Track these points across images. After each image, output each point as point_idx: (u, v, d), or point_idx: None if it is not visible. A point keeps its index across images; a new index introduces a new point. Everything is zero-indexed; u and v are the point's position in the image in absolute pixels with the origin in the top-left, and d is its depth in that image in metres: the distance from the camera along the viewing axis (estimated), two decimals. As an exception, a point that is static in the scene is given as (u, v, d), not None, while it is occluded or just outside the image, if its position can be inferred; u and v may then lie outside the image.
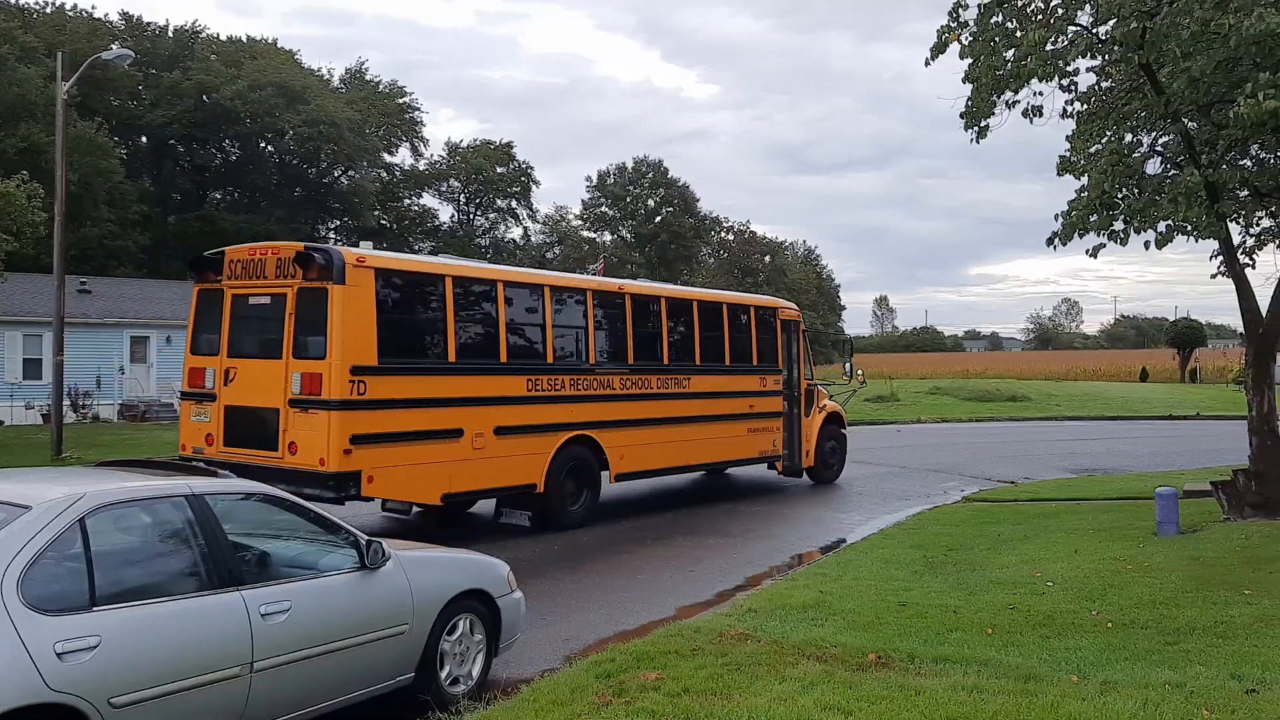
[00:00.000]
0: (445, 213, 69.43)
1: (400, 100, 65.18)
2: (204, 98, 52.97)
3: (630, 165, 75.43)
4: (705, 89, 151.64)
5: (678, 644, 7.24)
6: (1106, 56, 11.60)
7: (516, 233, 72.26)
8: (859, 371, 21.20)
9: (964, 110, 11.59)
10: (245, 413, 11.49)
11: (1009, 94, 11.34)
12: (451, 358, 11.96)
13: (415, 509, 12.74)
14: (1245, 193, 13.33)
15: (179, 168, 56.90)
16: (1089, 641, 7.32)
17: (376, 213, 62.40)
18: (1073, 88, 12.30)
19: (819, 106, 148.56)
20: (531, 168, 69.36)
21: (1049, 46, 10.69)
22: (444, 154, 67.92)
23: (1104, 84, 12.79)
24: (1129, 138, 12.27)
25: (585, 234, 75.98)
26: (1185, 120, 11.69)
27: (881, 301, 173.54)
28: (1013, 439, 28.25)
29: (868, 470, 20.33)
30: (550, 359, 13.30)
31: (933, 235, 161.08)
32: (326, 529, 6.08)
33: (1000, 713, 5.58)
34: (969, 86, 11.31)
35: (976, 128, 11.73)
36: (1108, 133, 12.13)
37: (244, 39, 59.25)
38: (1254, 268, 13.63)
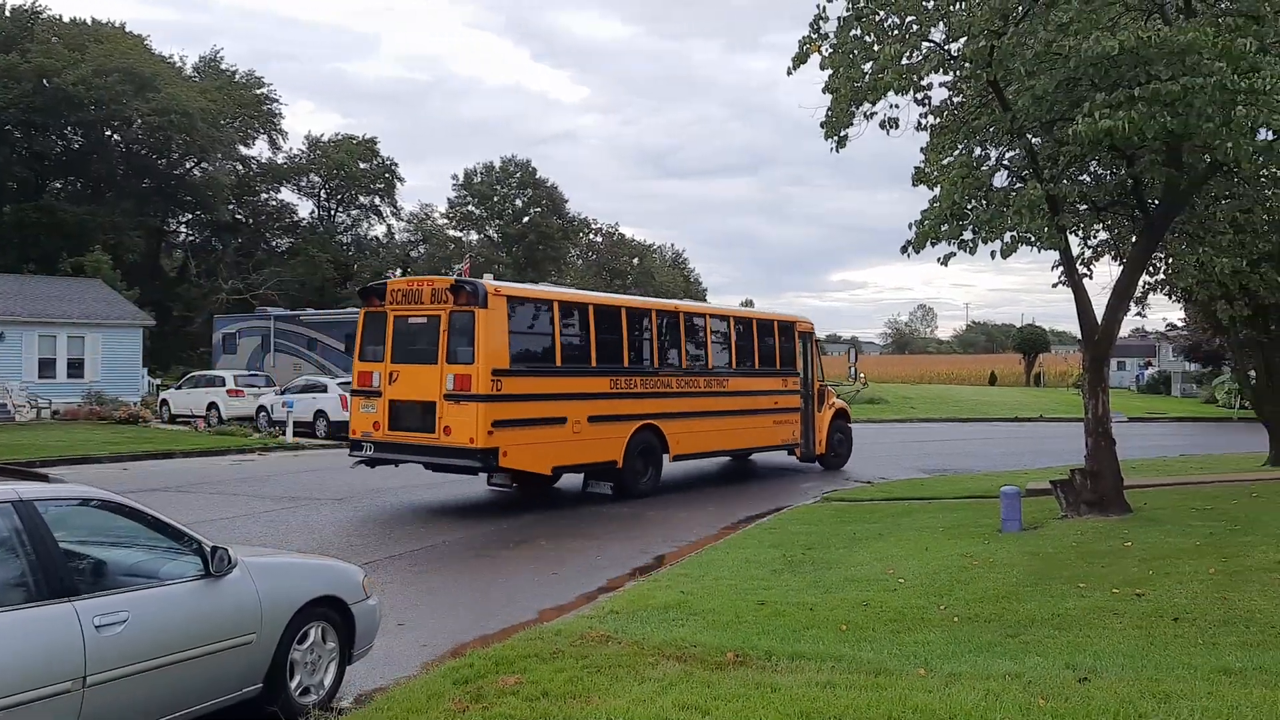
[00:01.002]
0: (305, 208, 67.44)
1: (258, 91, 62.96)
2: (44, 82, 50.02)
3: (498, 165, 74.72)
4: (575, 91, 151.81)
5: (538, 647, 7.18)
6: (958, 73, 12.08)
7: (380, 230, 70.77)
8: (861, 375, 23.63)
9: (824, 120, 11.88)
10: (407, 404, 14.77)
11: (867, 106, 11.69)
12: (558, 362, 15.40)
13: (514, 485, 16.34)
14: (1084, 207, 14.10)
15: (16, 155, 53.56)
16: (937, 635, 7.58)
17: (231, 206, 60.11)
18: (927, 102, 12.77)
19: (686, 112, 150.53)
20: (396, 164, 67.97)
21: (904, 61, 11.08)
22: (304, 148, 65.90)
23: (956, 99, 13.31)
24: (978, 151, 12.81)
25: (451, 233, 74.85)
26: (1030, 136, 12.26)
27: (747, 305, 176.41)
28: (871, 440, 29.11)
29: (734, 469, 20.65)
30: (626, 363, 16.57)
31: (797, 241, 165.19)
32: (169, 535, 5.79)
33: (851, 706, 5.71)
34: (829, 97, 11.60)
35: (836, 138, 12.04)
36: (959, 146, 12.65)
37: (89, 21, 56.25)
38: (1091, 278, 14.42)
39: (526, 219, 73.81)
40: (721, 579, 9.84)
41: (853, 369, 23.56)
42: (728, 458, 20.95)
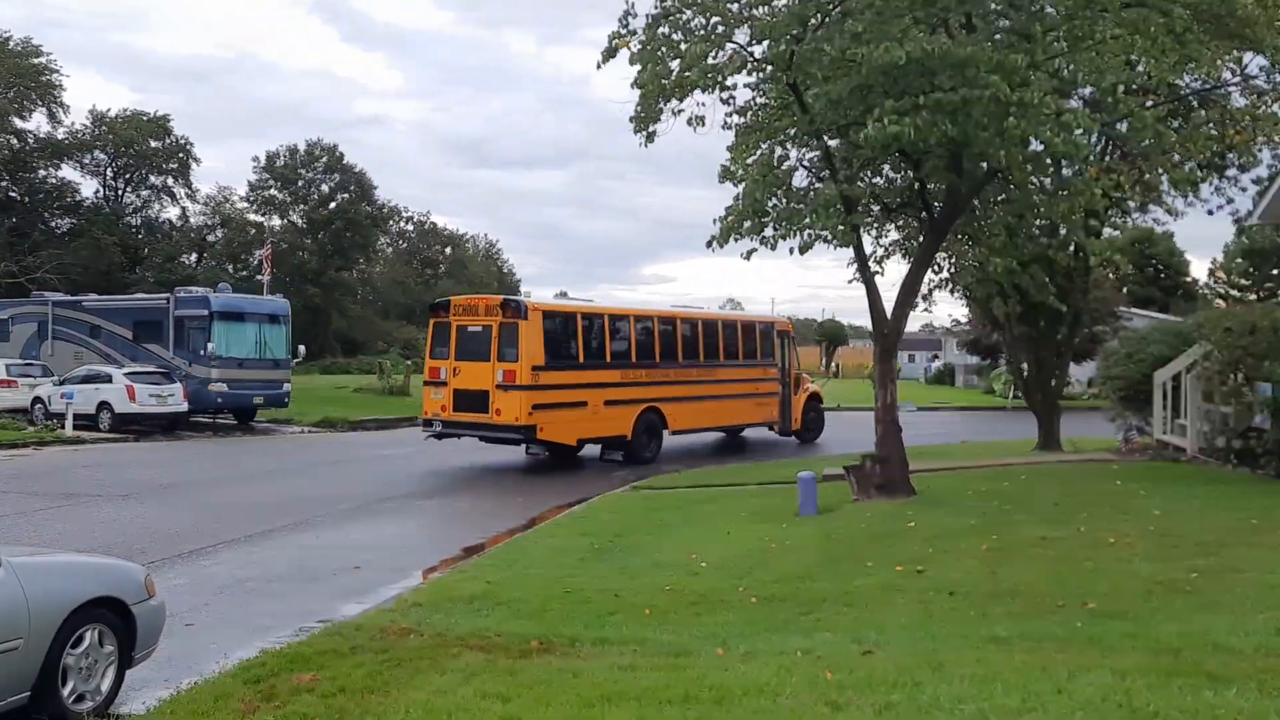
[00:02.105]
0: (89, 187, 62.80)
1: (35, 60, 58.07)
2: None
3: (303, 148, 71.74)
4: (387, 75, 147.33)
5: (336, 643, 7.01)
6: (760, 75, 12.50)
7: (173, 213, 66.75)
8: (835, 364, 28.89)
9: (634, 115, 12.06)
10: (467, 393, 19.04)
11: (675, 102, 11.95)
12: (580, 359, 19.92)
13: (547, 453, 20.56)
14: (877, 207, 14.87)
15: None
16: (735, 616, 7.86)
17: (4, 183, 55.40)
18: (732, 101, 13.16)
19: (501, 102, 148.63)
20: (191, 144, 63.98)
21: (710, 61, 11.37)
22: (88, 123, 61.35)
23: (759, 100, 13.76)
24: (779, 151, 13.28)
25: (252, 217, 71.41)
26: (827, 138, 12.83)
27: (561, 296, 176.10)
28: (678, 430, 29.70)
29: (540, 462, 20.68)
30: (634, 359, 21.01)
31: (610, 234, 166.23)
32: (-78, 537, 5.33)
33: (651, 688, 5.85)
34: (638, 93, 11.78)
35: (646, 132, 12.25)
36: (762, 146, 13.08)
37: None
38: (883, 275, 15.26)
39: (333, 204, 71.16)
40: (530, 567, 9.88)
41: (830, 363, 29.82)
42: (722, 432, 25.55)
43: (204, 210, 69.21)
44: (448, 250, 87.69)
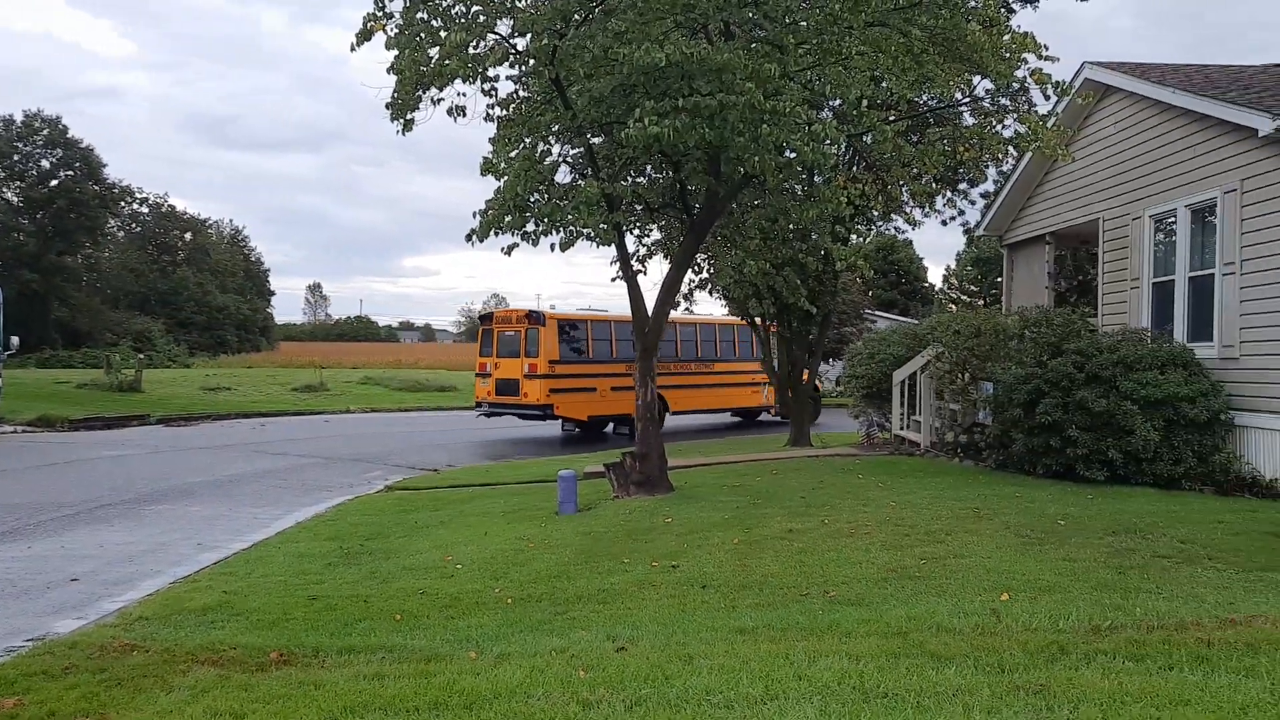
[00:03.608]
0: None
1: None
2: None
3: (20, 119, 65.17)
4: (119, 44, 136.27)
5: (46, 663, 6.33)
6: (523, 68, 12.37)
7: None
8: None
9: (390, 101, 11.64)
10: (504, 381, 25.29)
11: (434, 91, 11.61)
12: (590, 355, 26.08)
13: (578, 429, 26.33)
14: (640, 207, 15.07)
15: None
16: (490, 618, 7.70)
17: None
18: (494, 93, 12.94)
19: (249, 80, 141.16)
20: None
21: (471, 50, 11.12)
22: None
23: (523, 93, 13.63)
24: (543, 146, 13.19)
25: (-40, 194, 64.19)
26: (590, 136, 12.85)
27: (315, 288, 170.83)
28: (441, 427, 29.19)
29: (291, 462, 19.70)
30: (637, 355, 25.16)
31: (369, 224, 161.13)
32: None
33: (399, 696, 5.61)
34: (395, 78, 11.37)
35: (403, 120, 11.84)
36: (525, 140, 12.94)
37: None
38: (646, 274, 15.48)
39: (55, 182, 65.04)
40: (271, 575, 9.32)
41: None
42: (726, 414, 31.32)
43: (-98, 184, 61.81)
44: (187, 236, 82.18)
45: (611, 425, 26.73)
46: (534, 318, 25.46)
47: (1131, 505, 11.16)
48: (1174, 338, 13.87)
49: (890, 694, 5.08)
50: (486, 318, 27.56)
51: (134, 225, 78.28)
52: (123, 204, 73.26)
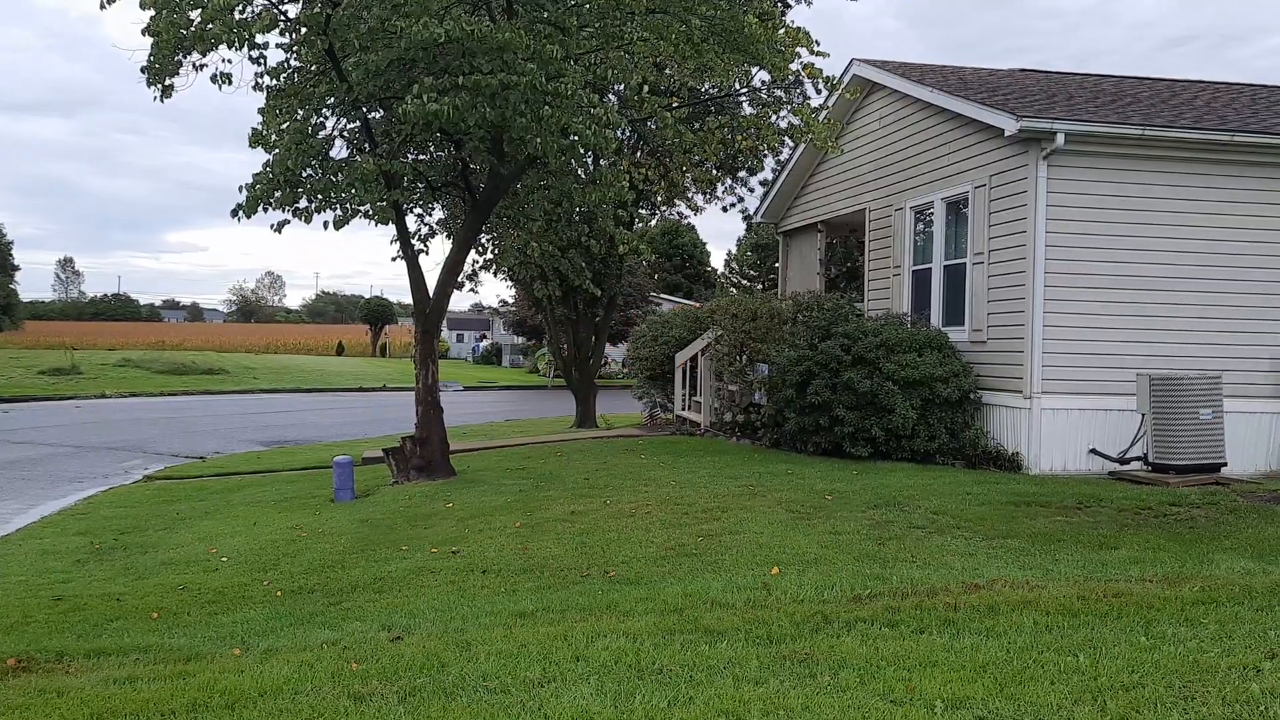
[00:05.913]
0: None
1: None
2: None
3: None
4: None
5: None
6: (295, 35, 11.78)
7: None
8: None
9: (146, 65, 10.83)
10: None
11: (196, 56, 10.89)
12: None
13: None
14: (422, 184, 14.70)
15: None
16: (258, 612, 7.35)
17: None
18: (263, 61, 12.25)
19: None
20: None
21: (236, 15, 10.49)
22: None
23: (295, 63, 12.99)
24: (316, 119, 12.64)
25: None
26: (366, 110, 12.41)
27: (67, 263, 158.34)
28: (207, 413, 27.66)
29: (37, 451, 18.14)
30: None
31: (128, 195, 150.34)
32: None
33: (153, 699, 5.25)
34: (151, 40, 10.58)
35: (160, 86, 11.05)
36: (298, 112, 12.36)
37: None
38: (428, 254, 15.13)
39: None
40: (8, 575, 8.57)
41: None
42: None
43: None
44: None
45: None
46: None
47: (892, 480, 11.87)
48: (931, 322, 14.83)
49: (664, 670, 5.18)
50: None
51: None
52: None
